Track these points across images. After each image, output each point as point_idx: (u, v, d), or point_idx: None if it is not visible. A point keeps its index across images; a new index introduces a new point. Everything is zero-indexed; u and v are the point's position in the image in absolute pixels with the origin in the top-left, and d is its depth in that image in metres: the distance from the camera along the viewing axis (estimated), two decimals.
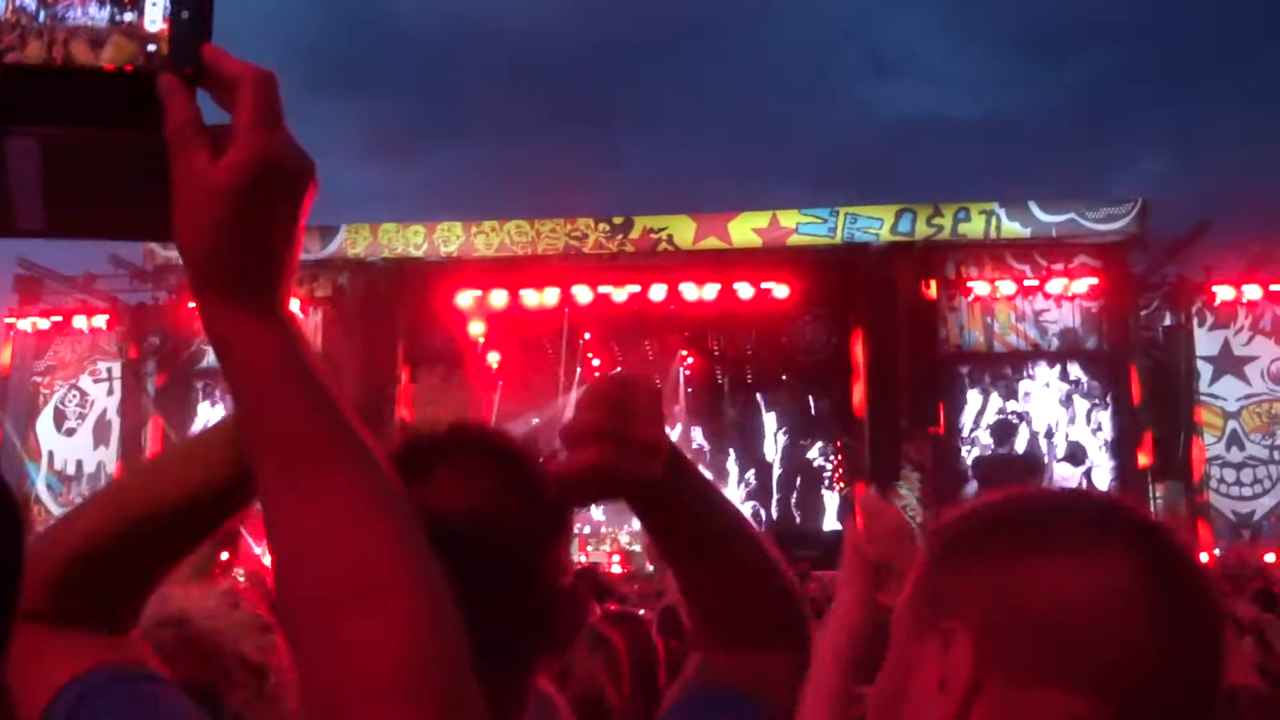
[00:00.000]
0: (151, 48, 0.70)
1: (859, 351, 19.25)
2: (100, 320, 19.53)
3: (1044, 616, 0.75)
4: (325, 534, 0.67)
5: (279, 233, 0.71)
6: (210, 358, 19.08)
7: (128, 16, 0.71)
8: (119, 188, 0.70)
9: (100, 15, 0.71)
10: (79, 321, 19.52)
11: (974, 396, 18.72)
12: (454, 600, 0.68)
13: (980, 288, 18.56)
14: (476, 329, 19.85)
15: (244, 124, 0.69)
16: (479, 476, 1.05)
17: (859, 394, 19.41)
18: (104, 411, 19.76)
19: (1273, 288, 18.08)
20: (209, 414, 19.23)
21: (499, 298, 19.28)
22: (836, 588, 1.85)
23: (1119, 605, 0.75)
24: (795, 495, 22.56)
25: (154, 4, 0.70)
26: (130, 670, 0.93)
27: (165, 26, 0.70)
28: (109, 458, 19.39)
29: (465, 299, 19.11)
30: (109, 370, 19.79)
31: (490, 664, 1.00)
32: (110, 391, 19.74)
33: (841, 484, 21.28)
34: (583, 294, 19.22)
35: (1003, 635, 0.76)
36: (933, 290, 18.59)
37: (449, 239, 19.30)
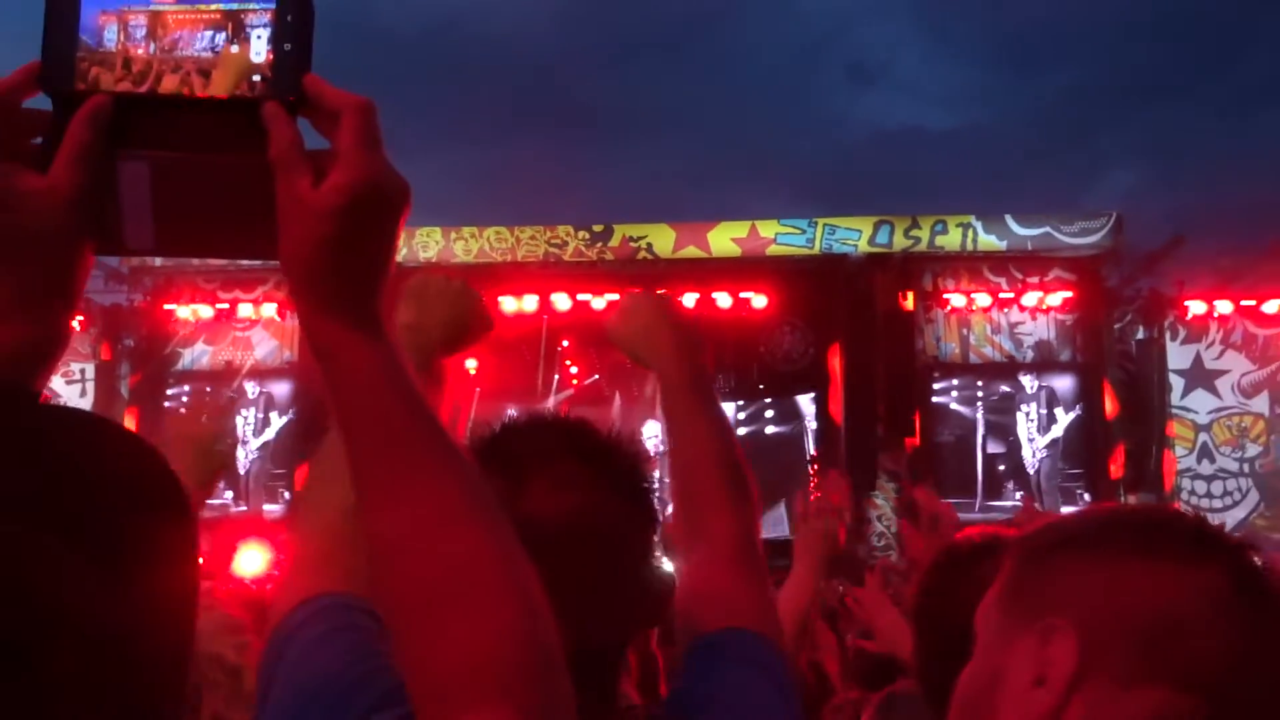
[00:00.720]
0: (256, 77, 0.75)
1: (836, 362, 19.34)
2: (73, 321, 19.37)
3: (1148, 617, 0.81)
4: (422, 535, 0.71)
5: (378, 249, 0.76)
6: (184, 361, 19.16)
7: (234, 48, 0.76)
8: (223, 209, 0.75)
9: (207, 46, 0.76)
10: None
11: (949, 407, 18.83)
12: (545, 597, 0.71)
13: (957, 300, 18.71)
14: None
15: (347, 148, 0.74)
16: (575, 483, 1.09)
17: (836, 404, 19.49)
18: None
19: (1243, 303, 18.32)
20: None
21: None
22: (793, 560, 1.96)
23: (1218, 613, 0.82)
24: (770, 503, 22.58)
25: (259, 36, 0.75)
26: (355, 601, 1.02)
27: (269, 57, 0.75)
28: None
29: None
30: (81, 371, 19.61)
31: (590, 656, 1.05)
32: (83, 393, 19.55)
33: (818, 493, 21.33)
34: (561, 301, 19.24)
35: (1106, 633, 0.81)
36: (910, 302, 18.71)
37: (428, 244, 19.27)
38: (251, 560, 10.28)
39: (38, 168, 0.74)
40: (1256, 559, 0.87)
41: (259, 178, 0.72)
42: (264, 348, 19.55)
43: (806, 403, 21.70)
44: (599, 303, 19.33)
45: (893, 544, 17.93)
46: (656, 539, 1.12)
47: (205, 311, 18.91)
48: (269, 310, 19.07)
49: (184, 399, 18.95)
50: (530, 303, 19.22)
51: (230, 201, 0.74)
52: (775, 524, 23.03)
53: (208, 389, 18.62)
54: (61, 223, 0.72)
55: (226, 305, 19.02)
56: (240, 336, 19.48)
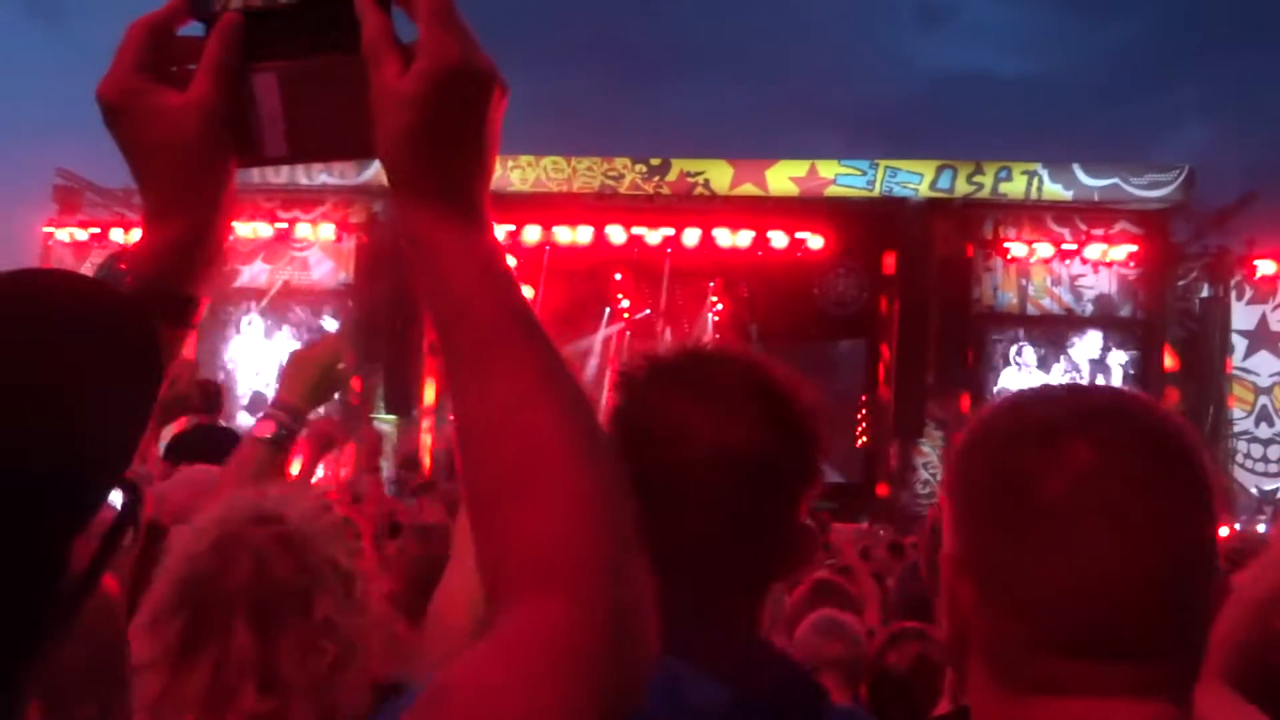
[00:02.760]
0: None
1: (890, 307, 19.14)
2: (138, 234, 19.58)
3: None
4: (495, 421, 0.71)
5: (468, 135, 0.74)
6: (245, 277, 19.42)
7: None
8: (342, 110, 0.77)
9: None
10: (116, 235, 19.60)
11: (1003, 358, 18.62)
12: (623, 487, 0.70)
13: (1017, 249, 18.37)
14: (509, 262, 19.81)
15: (424, 31, 0.73)
16: (739, 414, 1.09)
17: (887, 349, 19.35)
18: None
19: None
20: (246, 332, 19.41)
21: (532, 233, 19.25)
22: None
23: None
24: None
25: None
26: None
27: None
28: None
29: (498, 233, 19.05)
30: None
31: (738, 586, 1.07)
32: None
33: (865, 438, 21.29)
34: (616, 234, 19.16)
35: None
36: (969, 249, 18.42)
37: None
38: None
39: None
40: None
41: (364, 75, 0.74)
42: (320, 269, 19.73)
43: (857, 347, 21.57)
44: (654, 237, 19.28)
45: (937, 492, 17.86)
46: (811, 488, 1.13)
47: (264, 230, 19.07)
48: (327, 231, 19.21)
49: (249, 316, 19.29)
50: (585, 234, 19.19)
51: (346, 101, 0.75)
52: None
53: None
54: (200, 133, 0.76)
55: (285, 225, 19.18)
56: (298, 256, 19.67)
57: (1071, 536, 0.83)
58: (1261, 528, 15.31)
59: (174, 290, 0.78)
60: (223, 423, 5.34)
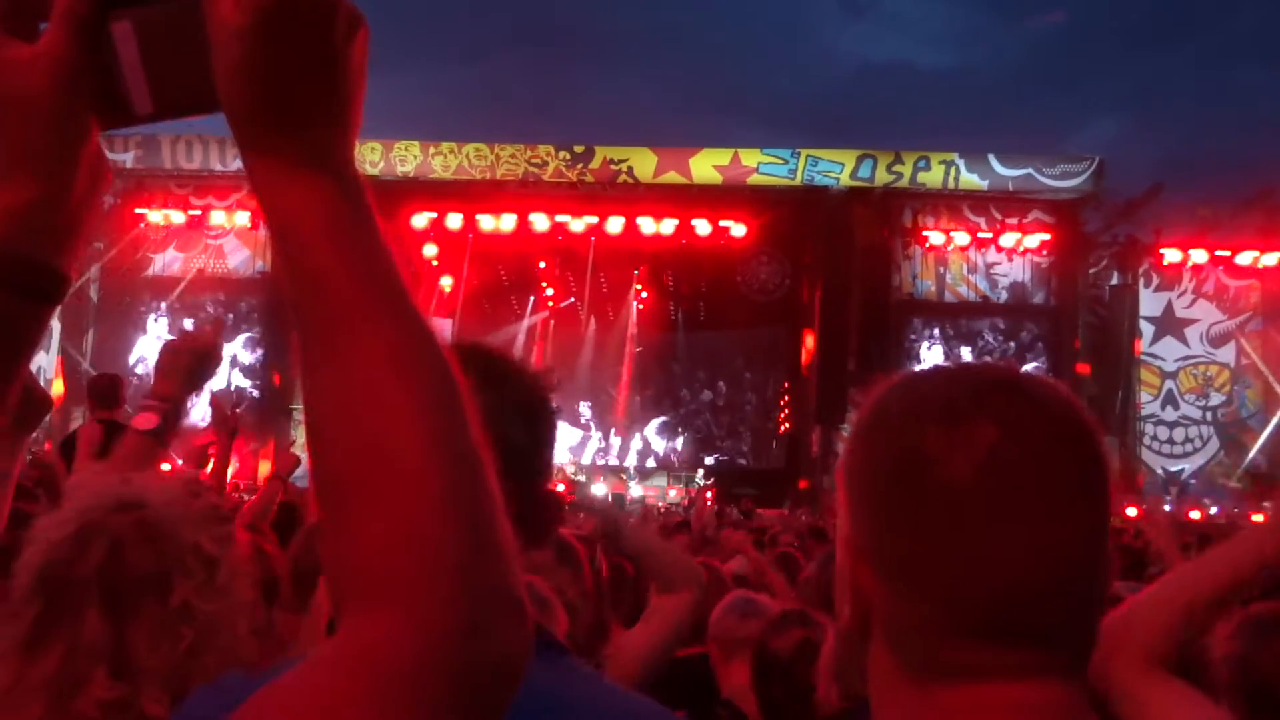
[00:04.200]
0: None
1: (812, 294, 19.38)
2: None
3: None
4: (348, 404, 0.63)
5: (311, 73, 0.66)
6: (155, 267, 18.91)
7: None
8: (201, 58, 0.70)
9: None
10: None
11: (922, 344, 18.97)
12: (490, 485, 0.63)
13: (935, 237, 18.74)
14: (430, 251, 19.64)
15: None
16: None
17: (809, 336, 19.59)
18: None
19: (1218, 253, 18.47)
20: (152, 326, 18.91)
21: (454, 221, 19.08)
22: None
23: None
24: (740, 433, 22.81)
25: None
26: None
27: None
28: (48, 364, 19.06)
29: (420, 220, 18.88)
30: None
31: None
32: None
33: (787, 424, 21.54)
34: (540, 222, 19.09)
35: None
36: (888, 237, 18.72)
37: (406, 158, 18.99)
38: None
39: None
40: None
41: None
42: (236, 257, 19.32)
43: (780, 334, 21.79)
44: (578, 225, 19.23)
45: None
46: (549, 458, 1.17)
47: (177, 217, 18.62)
48: (242, 218, 18.80)
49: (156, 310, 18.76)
50: (508, 222, 19.06)
51: (203, 48, 0.68)
52: (746, 454, 23.27)
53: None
54: (47, 86, 0.70)
55: (199, 211, 18.73)
56: (212, 244, 19.23)
57: (979, 519, 0.81)
58: (1166, 507, 15.81)
59: (20, 254, 0.69)
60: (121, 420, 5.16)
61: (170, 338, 1.98)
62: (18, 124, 0.71)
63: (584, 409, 22.43)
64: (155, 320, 18.85)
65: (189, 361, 1.87)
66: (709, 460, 21.76)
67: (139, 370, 17.62)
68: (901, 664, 0.85)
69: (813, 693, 2.09)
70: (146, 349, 18.49)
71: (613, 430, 22.48)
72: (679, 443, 22.87)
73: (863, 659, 0.89)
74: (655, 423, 22.91)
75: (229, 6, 0.65)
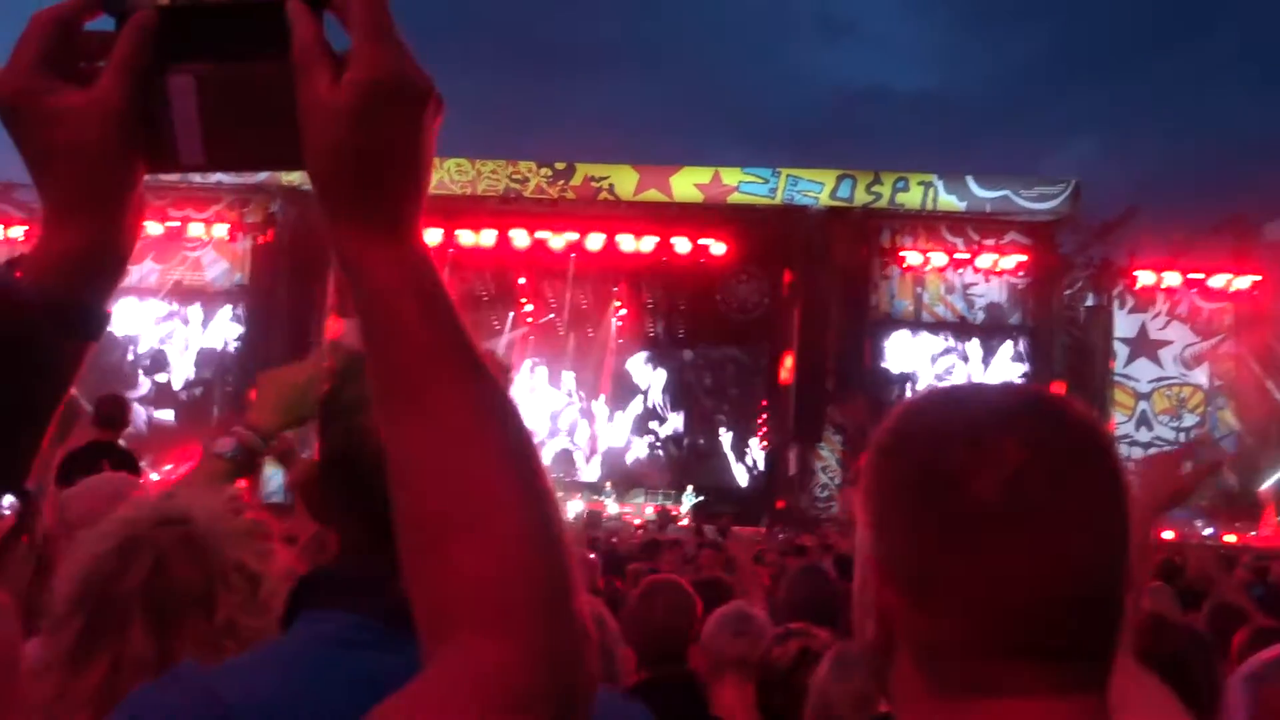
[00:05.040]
0: None
1: (790, 313, 19.46)
2: (17, 231, 18.81)
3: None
4: (430, 454, 0.68)
5: (399, 154, 0.71)
6: (134, 277, 18.71)
7: None
8: (266, 118, 0.72)
9: None
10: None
11: (899, 364, 19.09)
12: (560, 526, 0.69)
13: (913, 258, 18.88)
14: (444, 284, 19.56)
15: (357, 42, 0.69)
16: None
17: (788, 355, 19.66)
18: None
19: (1191, 275, 18.70)
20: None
21: (434, 236, 19.05)
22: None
23: None
24: (720, 451, 22.82)
25: None
26: None
27: None
28: None
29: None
30: None
31: None
32: None
33: (765, 442, 21.56)
34: (520, 238, 19.09)
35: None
36: (867, 257, 18.85)
37: None
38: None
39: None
40: None
41: (291, 82, 0.70)
42: (214, 269, 19.19)
43: (758, 352, 21.84)
44: (558, 241, 19.24)
45: (835, 497, 18.22)
46: None
47: (154, 228, 18.47)
48: (221, 231, 18.69)
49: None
50: (488, 237, 19.05)
51: (271, 109, 0.71)
52: (729, 472, 23.25)
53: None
54: (101, 135, 0.71)
55: (177, 223, 18.59)
56: (190, 256, 19.10)
57: (1005, 536, 0.82)
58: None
59: (72, 298, 0.72)
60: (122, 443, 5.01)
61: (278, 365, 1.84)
62: (71, 171, 0.73)
63: (561, 425, 22.39)
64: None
65: (286, 394, 1.75)
66: (689, 487, 21.55)
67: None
68: (926, 681, 0.85)
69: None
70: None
71: (588, 447, 22.44)
72: (655, 460, 22.85)
73: (886, 677, 0.90)
74: (632, 440, 22.88)
75: (325, 84, 0.69)
